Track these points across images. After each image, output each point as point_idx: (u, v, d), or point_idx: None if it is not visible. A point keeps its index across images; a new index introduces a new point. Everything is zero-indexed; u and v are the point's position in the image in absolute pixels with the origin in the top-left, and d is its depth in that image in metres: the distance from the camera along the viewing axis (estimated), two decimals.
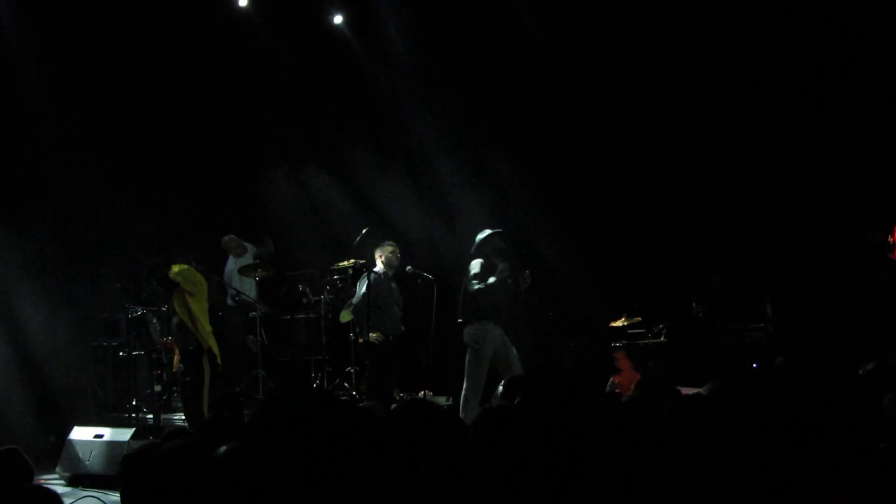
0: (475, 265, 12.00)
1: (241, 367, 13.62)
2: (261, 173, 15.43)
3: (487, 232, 12.12)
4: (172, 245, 13.80)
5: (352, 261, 13.39)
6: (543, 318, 13.67)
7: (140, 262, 12.58)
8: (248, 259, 14.42)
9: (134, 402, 12.31)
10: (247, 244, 14.77)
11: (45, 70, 13.11)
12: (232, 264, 14.57)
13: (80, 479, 10.18)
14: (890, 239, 12.54)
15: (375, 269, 12.80)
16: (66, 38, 13.17)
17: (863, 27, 12.94)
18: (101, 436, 10.50)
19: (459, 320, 12.11)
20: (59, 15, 13.11)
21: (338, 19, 15.37)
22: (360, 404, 7.20)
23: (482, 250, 12.08)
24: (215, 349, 11.00)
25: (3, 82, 12.94)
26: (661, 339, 13.53)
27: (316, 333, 13.76)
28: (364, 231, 13.43)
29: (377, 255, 12.95)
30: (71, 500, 8.22)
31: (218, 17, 14.48)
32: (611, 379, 12.50)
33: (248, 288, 14.00)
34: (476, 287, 11.85)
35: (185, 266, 11.01)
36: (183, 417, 12.01)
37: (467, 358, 11.97)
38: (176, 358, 11.18)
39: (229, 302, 14.29)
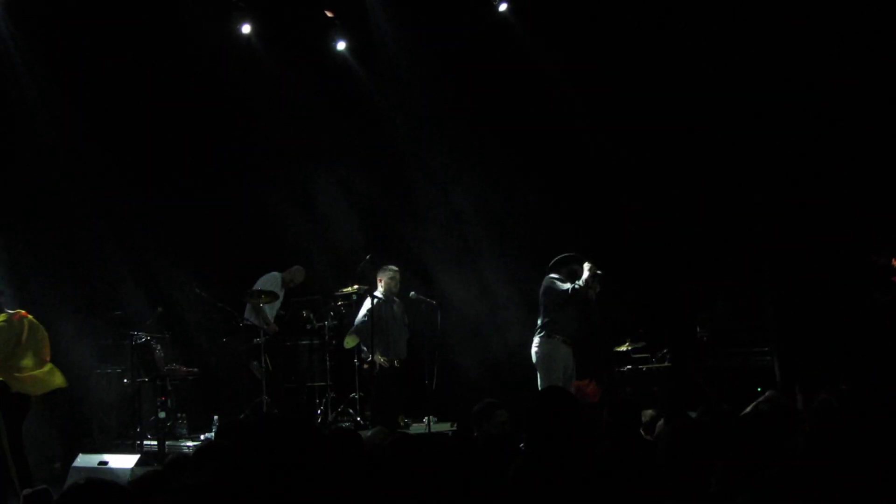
0: (552, 277, 12.02)
1: (246, 393, 13.62)
2: (264, 198, 15.45)
3: (566, 254, 12.13)
4: (178, 268, 13.89)
5: (355, 286, 13.40)
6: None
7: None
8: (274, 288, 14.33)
9: (138, 429, 12.30)
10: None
11: (54, 109, 13.18)
12: (273, 280, 14.33)
13: None
14: (893, 262, 12.51)
15: (376, 294, 12.85)
16: (71, 61, 13.25)
17: (867, 54, 12.97)
18: (105, 462, 10.50)
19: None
20: (65, 37, 13.18)
21: (341, 45, 15.41)
22: (365, 431, 7.22)
23: (557, 269, 12.09)
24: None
25: (11, 112, 13.01)
26: (665, 363, 13.54)
27: (320, 359, 13.75)
28: (367, 257, 13.47)
29: (378, 278, 13.01)
30: None
31: (221, 45, 14.53)
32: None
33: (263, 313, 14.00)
34: (563, 287, 11.84)
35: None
36: (189, 444, 12.02)
37: (538, 380, 11.83)
38: None
39: (246, 314, 14.20)
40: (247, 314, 14.04)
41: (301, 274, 14.45)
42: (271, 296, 13.74)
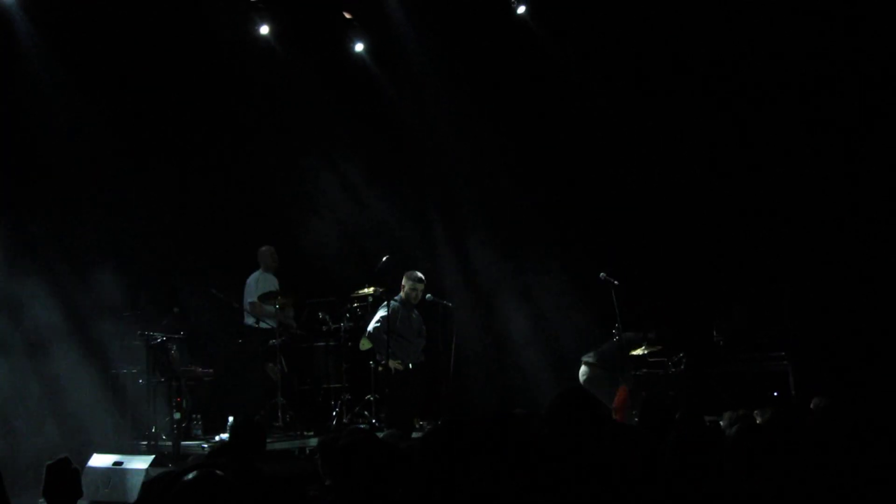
0: None
1: (261, 395, 13.61)
2: (282, 199, 15.46)
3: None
4: (194, 269, 13.88)
5: (372, 288, 13.37)
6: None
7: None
8: (274, 283, 14.32)
9: (153, 430, 12.30)
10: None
11: (71, 107, 13.17)
12: (257, 277, 14.39)
13: None
14: None
15: (396, 298, 12.81)
16: (89, 58, 13.25)
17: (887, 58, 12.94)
18: (119, 463, 10.51)
19: None
20: (86, 29, 13.18)
21: (359, 47, 15.41)
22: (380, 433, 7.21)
23: None
24: None
25: (29, 108, 13.02)
26: (681, 367, 13.49)
27: (336, 361, 13.73)
28: (385, 258, 13.42)
29: (402, 283, 12.96)
30: None
31: (239, 45, 14.53)
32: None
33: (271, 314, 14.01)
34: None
35: None
36: (204, 445, 12.02)
37: None
38: None
39: (248, 321, 14.20)
40: (248, 321, 14.11)
41: (264, 254, 14.43)
42: (285, 296, 13.78)
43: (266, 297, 13.68)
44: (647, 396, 8.15)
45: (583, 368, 13.60)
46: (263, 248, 14.34)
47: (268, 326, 13.65)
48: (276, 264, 14.35)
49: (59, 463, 5.72)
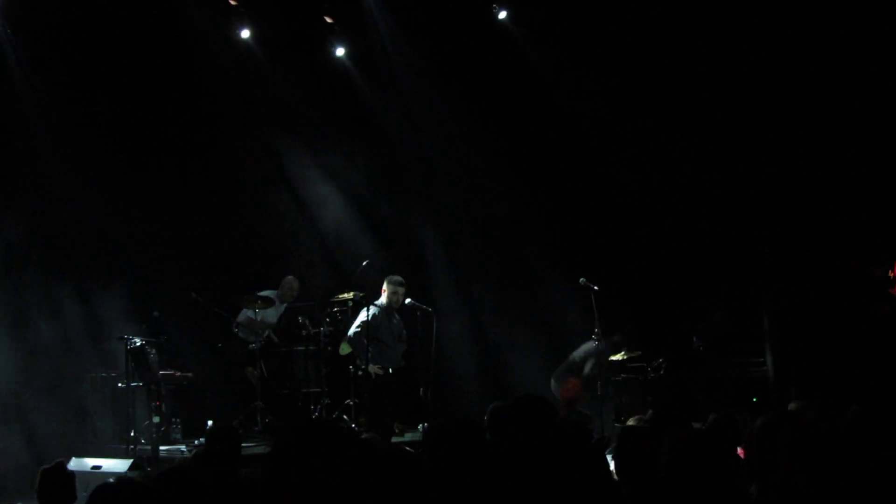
0: None
1: (240, 399, 13.58)
2: (262, 203, 15.43)
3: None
4: (174, 273, 13.85)
5: (352, 293, 13.34)
6: None
7: None
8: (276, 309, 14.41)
9: (132, 434, 12.26)
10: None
11: (51, 112, 13.14)
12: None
13: None
14: (890, 274, 12.52)
15: (377, 302, 12.78)
16: (67, 64, 13.19)
17: (869, 64, 12.97)
18: (98, 467, 10.46)
19: None
20: (67, 32, 13.11)
21: (340, 51, 15.36)
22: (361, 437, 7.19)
23: None
24: None
25: (9, 113, 12.97)
26: (661, 373, 13.49)
27: (315, 366, 13.71)
28: (364, 263, 13.42)
29: (382, 287, 12.94)
30: None
31: (220, 50, 14.48)
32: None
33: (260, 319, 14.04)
34: None
35: None
36: (182, 448, 12.00)
37: None
38: None
39: (239, 333, 14.22)
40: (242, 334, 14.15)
41: (283, 284, 14.57)
42: (266, 301, 13.82)
43: (246, 301, 13.74)
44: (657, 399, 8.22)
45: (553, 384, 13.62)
46: (289, 279, 14.52)
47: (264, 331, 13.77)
48: (292, 297, 14.49)
49: (55, 467, 5.71)
